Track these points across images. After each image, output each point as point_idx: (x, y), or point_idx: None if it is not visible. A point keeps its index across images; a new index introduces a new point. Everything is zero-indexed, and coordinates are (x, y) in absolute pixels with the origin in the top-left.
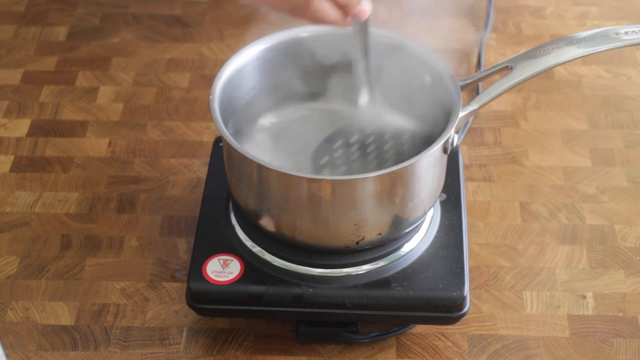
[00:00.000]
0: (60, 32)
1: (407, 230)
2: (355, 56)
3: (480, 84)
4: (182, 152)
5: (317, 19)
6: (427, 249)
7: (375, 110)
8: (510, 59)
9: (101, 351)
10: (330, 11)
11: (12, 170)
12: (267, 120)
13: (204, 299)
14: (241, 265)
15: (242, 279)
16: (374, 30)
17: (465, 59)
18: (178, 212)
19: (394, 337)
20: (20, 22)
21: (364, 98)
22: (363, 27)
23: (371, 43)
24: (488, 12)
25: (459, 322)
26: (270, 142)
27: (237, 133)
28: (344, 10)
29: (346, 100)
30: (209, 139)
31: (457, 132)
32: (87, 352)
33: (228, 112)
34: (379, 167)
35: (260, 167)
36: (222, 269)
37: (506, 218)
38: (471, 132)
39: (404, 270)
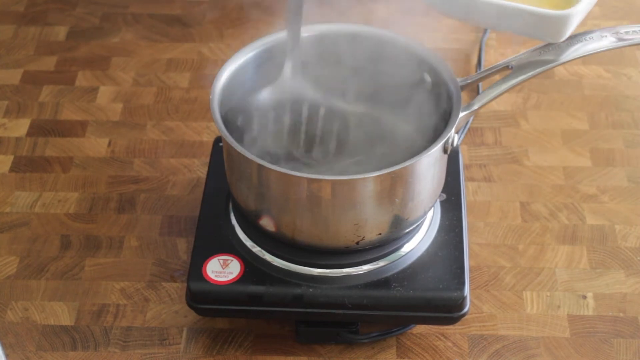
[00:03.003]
0: (60, 32)
1: (407, 230)
2: (286, 28)
3: (480, 84)
4: (182, 152)
5: None
6: (427, 249)
7: (296, 83)
8: (510, 59)
9: (101, 351)
10: None
11: (11, 170)
12: (267, 120)
13: (204, 299)
14: (241, 265)
15: (242, 279)
16: (375, 30)
17: (465, 59)
18: (178, 212)
19: (394, 337)
20: (20, 22)
21: (287, 70)
22: (298, 1)
23: (302, 20)
24: None
25: (459, 322)
26: (271, 142)
27: (237, 133)
28: None
29: (345, 99)
30: (208, 138)
31: (457, 132)
32: (87, 353)
33: (228, 112)
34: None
35: (260, 167)
36: (222, 269)
37: (506, 218)
38: (471, 132)
39: (404, 271)
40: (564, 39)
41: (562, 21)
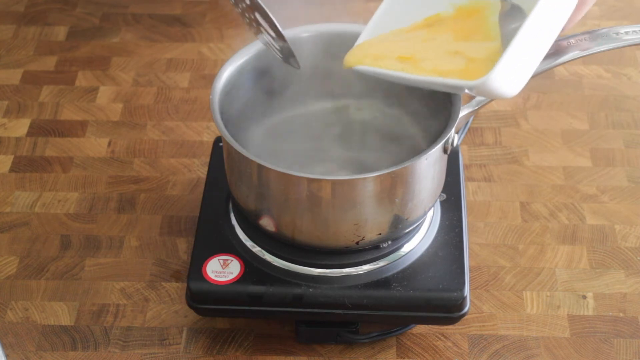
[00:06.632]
0: (60, 32)
1: (407, 230)
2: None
3: None
4: (182, 152)
5: None
6: (427, 249)
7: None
8: None
9: (101, 351)
10: None
11: (11, 170)
12: (267, 120)
13: (204, 299)
14: (241, 265)
15: (242, 279)
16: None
17: None
18: (178, 212)
19: (394, 337)
20: (20, 22)
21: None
22: None
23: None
24: None
25: (459, 322)
26: (271, 142)
27: (237, 133)
28: None
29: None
30: (209, 138)
31: (457, 132)
32: (87, 353)
33: (228, 112)
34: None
35: (260, 167)
36: (222, 269)
37: (506, 218)
38: (471, 132)
39: (404, 270)
40: (515, 93)
41: (484, 88)
